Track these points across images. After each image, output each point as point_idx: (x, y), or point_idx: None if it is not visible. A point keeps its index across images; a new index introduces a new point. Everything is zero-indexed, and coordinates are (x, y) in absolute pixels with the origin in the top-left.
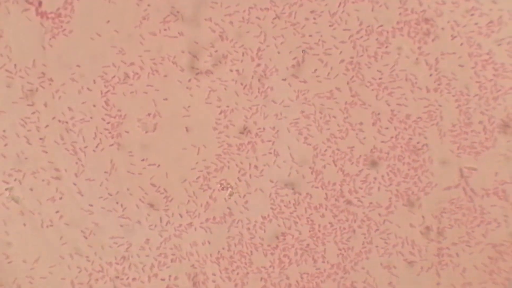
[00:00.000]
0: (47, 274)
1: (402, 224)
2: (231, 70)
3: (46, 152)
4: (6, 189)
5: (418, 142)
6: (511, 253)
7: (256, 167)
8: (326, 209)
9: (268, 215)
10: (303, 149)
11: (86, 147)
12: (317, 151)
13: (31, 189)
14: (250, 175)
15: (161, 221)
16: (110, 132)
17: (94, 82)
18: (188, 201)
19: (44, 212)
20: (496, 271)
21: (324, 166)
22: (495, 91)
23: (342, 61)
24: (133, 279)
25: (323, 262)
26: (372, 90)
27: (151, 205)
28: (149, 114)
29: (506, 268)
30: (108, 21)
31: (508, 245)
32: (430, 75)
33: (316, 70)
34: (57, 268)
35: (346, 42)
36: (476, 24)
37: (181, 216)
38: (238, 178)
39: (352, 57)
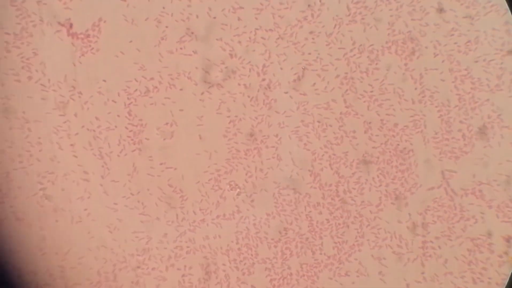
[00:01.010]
0: (77, 265)
1: (391, 220)
2: (239, 84)
3: (76, 157)
4: (40, 189)
5: (404, 148)
6: (487, 246)
7: (261, 170)
8: (323, 207)
9: (272, 212)
10: (303, 154)
11: (111, 152)
12: (315, 155)
13: (63, 189)
14: (256, 177)
15: (177, 218)
16: (132, 139)
17: (118, 95)
18: (201, 200)
19: (74, 210)
20: (474, 262)
21: (322, 169)
22: (472, 102)
23: (338, 76)
24: (153, 268)
25: (321, 254)
26: (364, 101)
27: (169, 204)
28: (166, 123)
29: (483, 259)
30: (131, 41)
31: (484, 239)
32: (415, 88)
33: (314, 84)
34: (85, 259)
35: (341, 60)
36: (455, 43)
37: (195, 213)
38: (245, 179)
39: (346, 73)
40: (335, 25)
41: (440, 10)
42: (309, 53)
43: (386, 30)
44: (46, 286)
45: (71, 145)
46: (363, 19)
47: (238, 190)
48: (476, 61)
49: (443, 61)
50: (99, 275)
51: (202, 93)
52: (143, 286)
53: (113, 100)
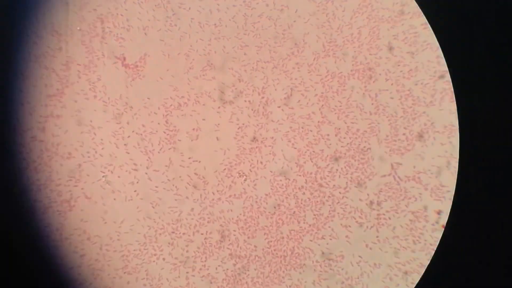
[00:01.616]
0: (129, 230)
1: (354, 198)
2: (245, 101)
3: (128, 153)
4: (103, 176)
5: (364, 147)
6: (423, 217)
7: (261, 162)
8: (305, 189)
9: (269, 193)
10: (291, 151)
11: (153, 149)
12: (300, 152)
13: (119, 176)
14: (257, 168)
15: (201, 197)
16: (168, 140)
17: (159, 108)
18: (218, 184)
19: (127, 191)
20: (414, 228)
21: (305, 162)
22: (413, 114)
23: (316, 95)
24: (183, 233)
25: (304, 223)
26: (335, 113)
27: (195, 187)
28: (193, 129)
29: (420, 227)
30: (168, 70)
31: (421, 212)
32: (372, 104)
33: (299, 100)
34: (135, 226)
35: (318, 83)
36: (401, 71)
37: (213, 194)
38: (249, 169)
39: (322, 93)
40: (314, 58)
41: (390, 48)
42: (296, 78)
43: (351, 62)
44: (107, 246)
45: (125, 144)
46: (334, 54)
47: (244, 177)
48: (416, 84)
49: (392, 84)
50: (145, 238)
51: (219, 107)
52: (176, 246)
53: (154, 112)
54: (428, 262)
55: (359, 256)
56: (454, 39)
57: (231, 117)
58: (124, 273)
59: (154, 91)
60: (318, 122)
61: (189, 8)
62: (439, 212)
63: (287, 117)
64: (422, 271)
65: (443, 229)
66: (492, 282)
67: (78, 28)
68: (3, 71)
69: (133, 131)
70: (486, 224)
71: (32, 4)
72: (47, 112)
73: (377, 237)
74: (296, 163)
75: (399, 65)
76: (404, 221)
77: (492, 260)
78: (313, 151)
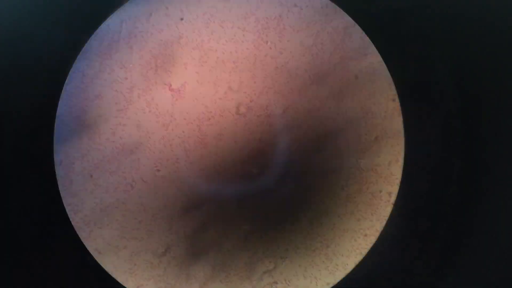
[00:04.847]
0: (173, 201)
1: (331, 182)
2: (254, 115)
3: (172, 150)
4: (155, 166)
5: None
6: (379, 196)
7: (264, 156)
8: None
9: (273, 175)
10: (285, 147)
11: (190, 148)
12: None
13: (166, 166)
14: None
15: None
16: (200, 141)
17: (194, 120)
18: (235, 170)
19: (171, 176)
20: (373, 204)
21: (299, 157)
22: (372, 124)
23: (304, 110)
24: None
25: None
26: (316, 127)
27: (218, 172)
28: (218, 134)
29: (377, 203)
30: (200, 93)
31: (378, 193)
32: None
33: (292, 115)
34: (177, 199)
35: (306, 102)
36: (364, 94)
37: (231, 177)
38: (257, 161)
39: (309, 110)
40: (303, 85)
41: (356, 77)
42: (290, 99)
43: (329, 87)
44: (156, 214)
45: (170, 145)
46: (317, 81)
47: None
48: (374, 104)
49: (358, 103)
50: (185, 207)
51: (236, 119)
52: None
53: (191, 123)
54: (382, 228)
55: (333, 224)
56: (402, 72)
57: (245, 126)
58: (169, 233)
59: (191, 108)
60: (304, 133)
61: (216, 50)
62: (390, 193)
63: (284, 124)
64: (378, 234)
65: (392, 205)
66: (427, 239)
67: (130, 65)
68: (86, 93)
69: (176, 135)
70: (423, 201)
71: (108, 49)
72: (116, 122)
73: (346, 208)
74: (288, 156)
75: (362, 90)
76: (365, 199)
77: (428, 226)
78: (302, 149)
